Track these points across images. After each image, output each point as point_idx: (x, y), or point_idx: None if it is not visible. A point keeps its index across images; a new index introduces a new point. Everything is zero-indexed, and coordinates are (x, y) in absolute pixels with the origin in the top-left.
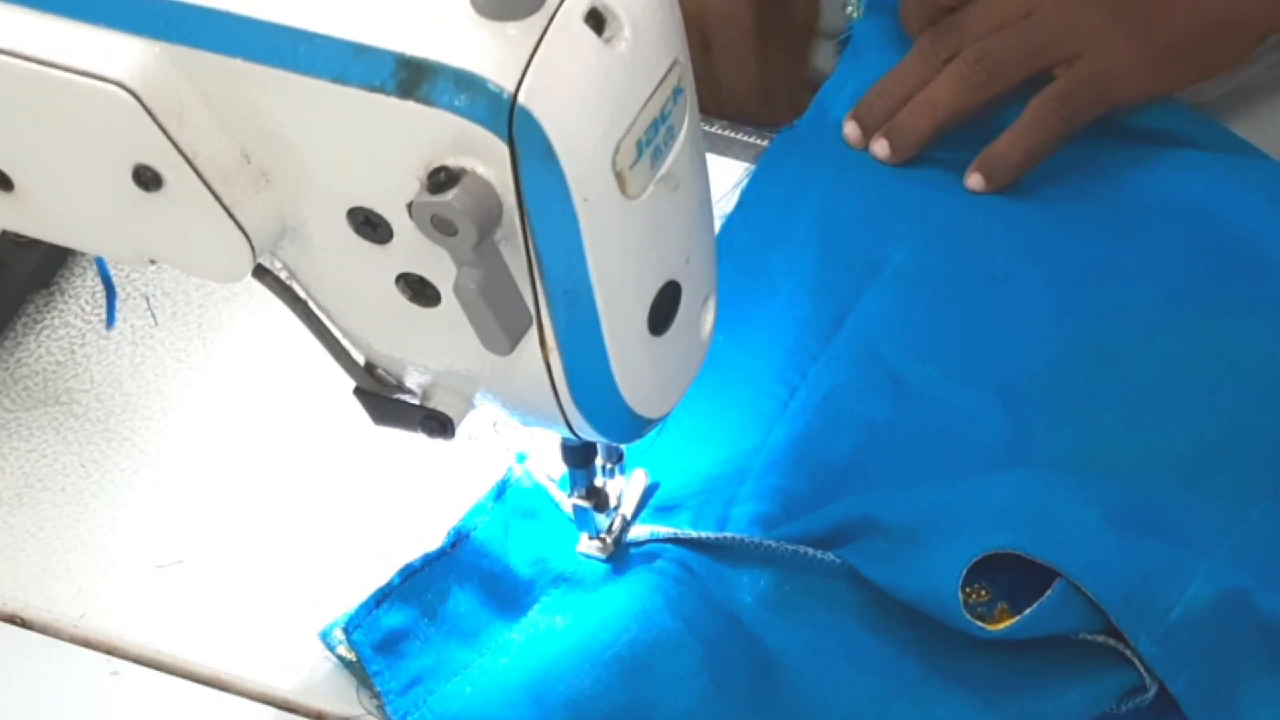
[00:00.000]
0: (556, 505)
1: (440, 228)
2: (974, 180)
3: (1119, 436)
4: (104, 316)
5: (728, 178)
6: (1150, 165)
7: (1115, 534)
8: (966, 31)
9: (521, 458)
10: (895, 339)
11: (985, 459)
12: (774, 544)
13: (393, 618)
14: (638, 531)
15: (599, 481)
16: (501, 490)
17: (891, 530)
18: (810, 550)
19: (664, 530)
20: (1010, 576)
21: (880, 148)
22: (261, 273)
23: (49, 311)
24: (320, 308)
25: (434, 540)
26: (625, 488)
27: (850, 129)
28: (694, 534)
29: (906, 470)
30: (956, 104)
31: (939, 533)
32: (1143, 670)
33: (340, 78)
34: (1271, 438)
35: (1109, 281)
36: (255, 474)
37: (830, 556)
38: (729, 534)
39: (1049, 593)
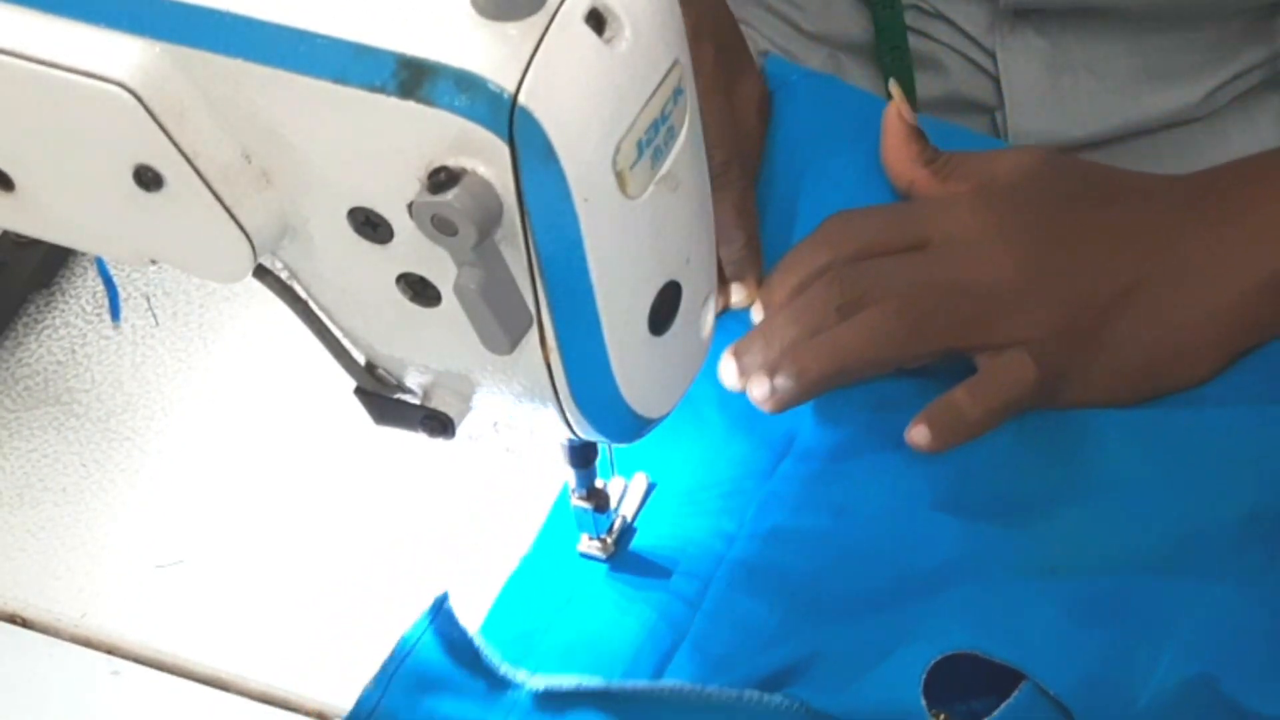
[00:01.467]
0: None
1: (440, 228)
2: (917, 433)
3: (1078, 539)
4: (104, 317)
5: None
6: None
7: (1075, 627)
8: (881, 280)
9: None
10: (840, 457)
11: (939, 575)
12: (714, 691)
13: None
14: (560, 681)
15: (599, 483)
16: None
17: (843, 657)
18: (755, 693)
19: (593, 683)
20: (965, 708)
21: (759, 389)
22: (262, 273)
23: (50, 311)
24: (321, 308)
25: (434, 540)
26: (626, 489)
27: (726, 368)
28: (626, 686)
29: (857, 593)
30: (866, 354)
31: (894, 648)
32: None
33: (341, 78)
34: (1238, 524)
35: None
36: (255, 474)
37: (777, 698)
38: (665, 685)
39: (1015, 694)
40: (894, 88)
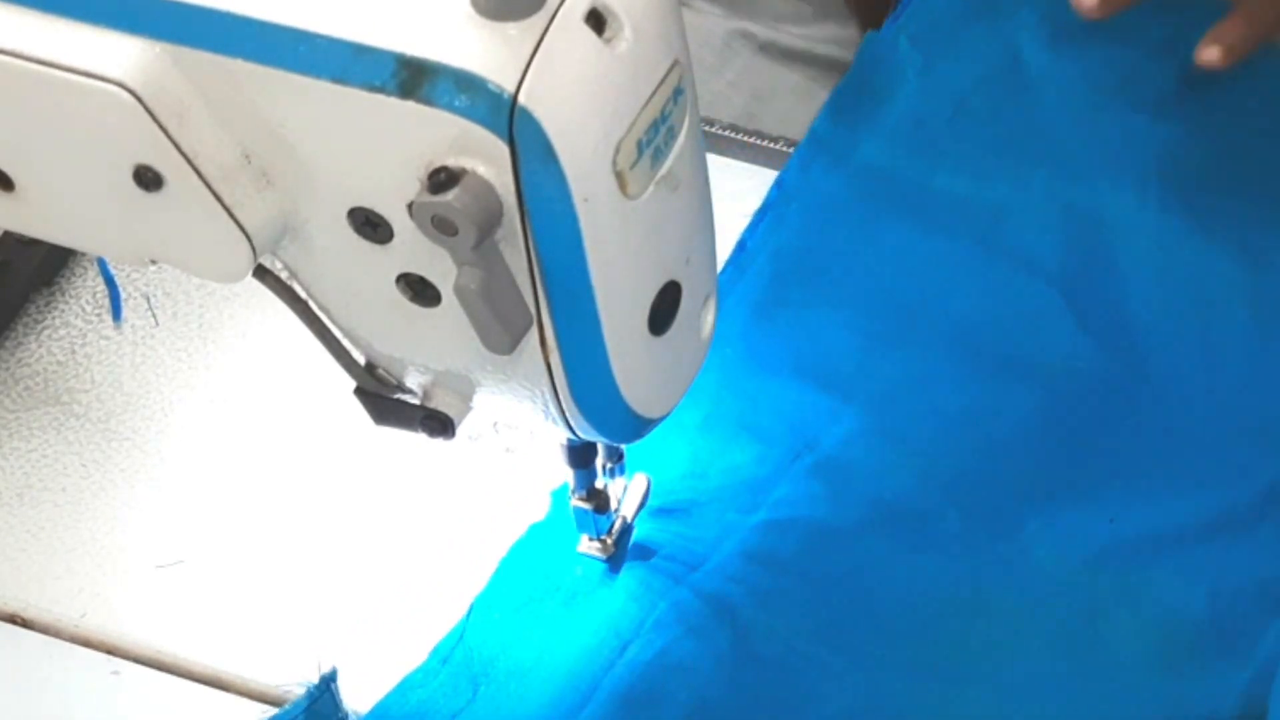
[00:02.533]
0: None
1: (440, 228)
2: (1209, 54)
3: (983, 711)
4: (105, 317)
5: (728, 178)
6: None
7: None
8: None
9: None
10: (750, 586)
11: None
12: None
13: None
14: None
15: (600, 483)
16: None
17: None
18: None
19: None
20: None
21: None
22: (262, 273)
23: (50, 311)
24: (321, 308)
25: (434, 540)
26: (626, 490)
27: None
28: None
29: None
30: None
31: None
32: None
33: (341, 78)
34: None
35: (994, 558)
36: (256, 474)
37: None
38: None
39: None
40: None
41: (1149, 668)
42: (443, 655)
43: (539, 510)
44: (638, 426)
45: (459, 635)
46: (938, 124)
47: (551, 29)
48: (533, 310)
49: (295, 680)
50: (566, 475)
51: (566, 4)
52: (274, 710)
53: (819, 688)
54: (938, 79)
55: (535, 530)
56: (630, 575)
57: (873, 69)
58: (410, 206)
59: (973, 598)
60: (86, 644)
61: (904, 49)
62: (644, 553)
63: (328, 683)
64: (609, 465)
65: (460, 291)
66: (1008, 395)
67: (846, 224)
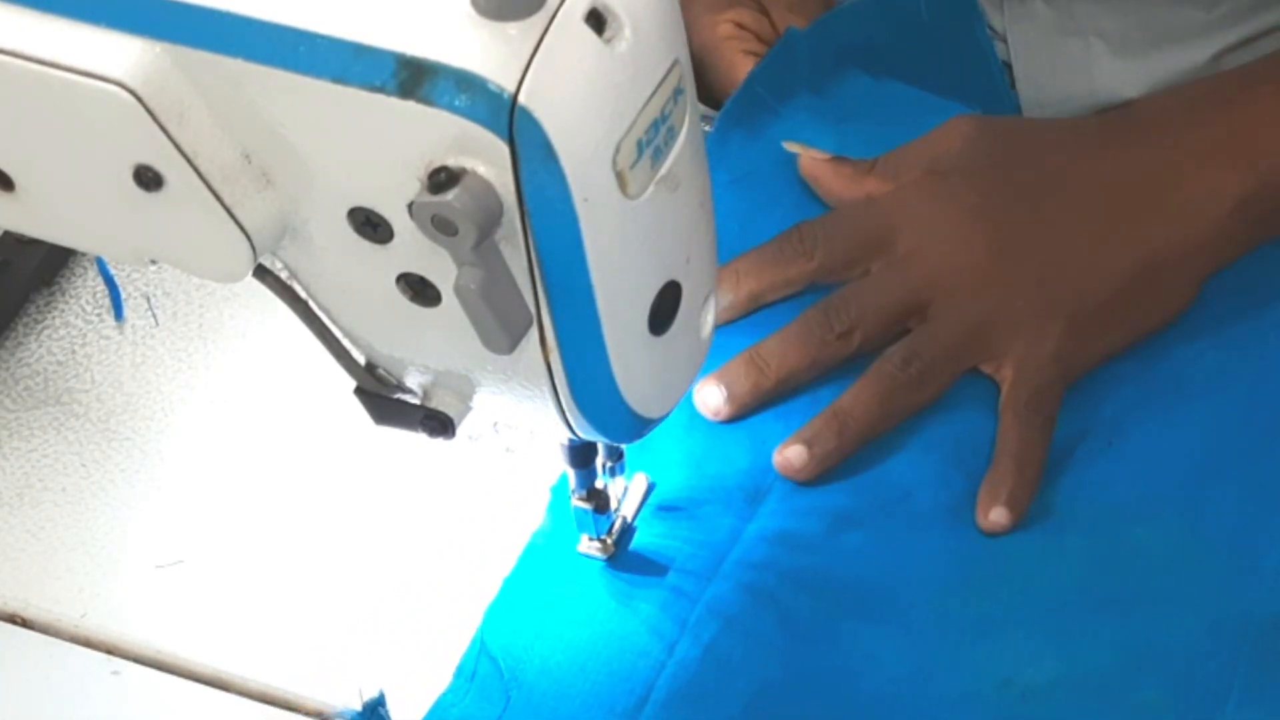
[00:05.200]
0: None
1: (440, 228)
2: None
3: (1030, 657)
4: (105, 317)
5: None
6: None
7: None
8: (871, 300)
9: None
10: (782, 570)
11: (888, 700)
12: None
13: None
14: None
15: (600, 483)
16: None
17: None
18: None
19: None
20: None
21: (796, 454)
22: (262, 273)
23: (50, 311)
24: (321, 308)
25: (434, 540)
26: (626, 490)
27: (711, 395)
28: None
29: None
30: (886, 410)
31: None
32: None
33: (341, 78)
34: (1197, 646)
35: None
36: (256, 474)
37: None
38: None
39: None
40: (789, 145)
41: (1174, 575)
42: (468, 673)
43: (539, 510)
44: (638, 426)
45: (479, 647)
46: (857, 90)
47: (551, 29)
48: (533, 310)
49: (338, 702)
50: (567, 475)
51: (566, 4)
52: (273, 710)
53: (870, 659)
54: (845, 81)
55: (540, 535)
56: (654, 579)
57: (788, 58)
58: (410, 206)
59: (997, 553)
60: (86, 644)
61: (810, 45)
62: (660, 550)
63: (375, 708)
64: (609, 465)
65: (460, 291)
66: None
67: (774, 198)
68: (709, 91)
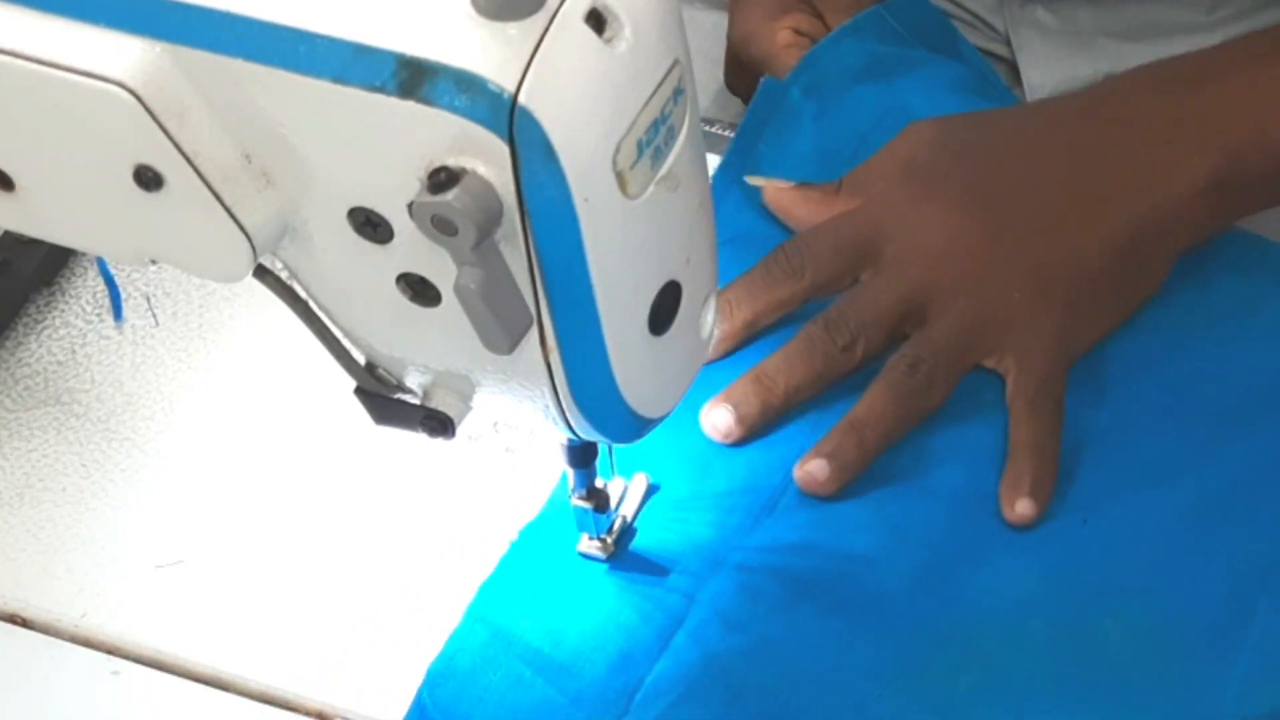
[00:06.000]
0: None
1: (440, 228)
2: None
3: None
4: (105, 317)
5: None
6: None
7: None
8: (868, 312)
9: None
10: (788, 575)
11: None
12: None
13: None
14: None
15: (600, 482)
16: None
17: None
18: None
19: None
20: None
21: (819, 468)
22: (262, 273)
23: (50, 311)
24: (321, 308)
25: (434, 540)
26: (626, 490)
27: (720, 417)
28: None
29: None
30: (901, 417)
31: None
32: None
33: (341, 78)
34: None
35: (979, 568)
36: (256, 474)
37: None
38: None
39: None
40: (751, 180)
41: (1141, 671)
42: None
43: (539, 510)
44: (638, 426)
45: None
46: (840, 160)
47: (551, 29)
48: (533, 310)
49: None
50: (567, 474)
51: (566, 4)
52: (273, 710)
53: (872, 674)
54: (834, 121)
55: (534, 527)
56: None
57: (768, 114)
58: (410, 206)
59: (964, 630)
60: (86, 644)
61: (795, 98)
62: (660, 551)
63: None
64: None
65: (460, 291)
66: (978, 388)
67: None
68: None
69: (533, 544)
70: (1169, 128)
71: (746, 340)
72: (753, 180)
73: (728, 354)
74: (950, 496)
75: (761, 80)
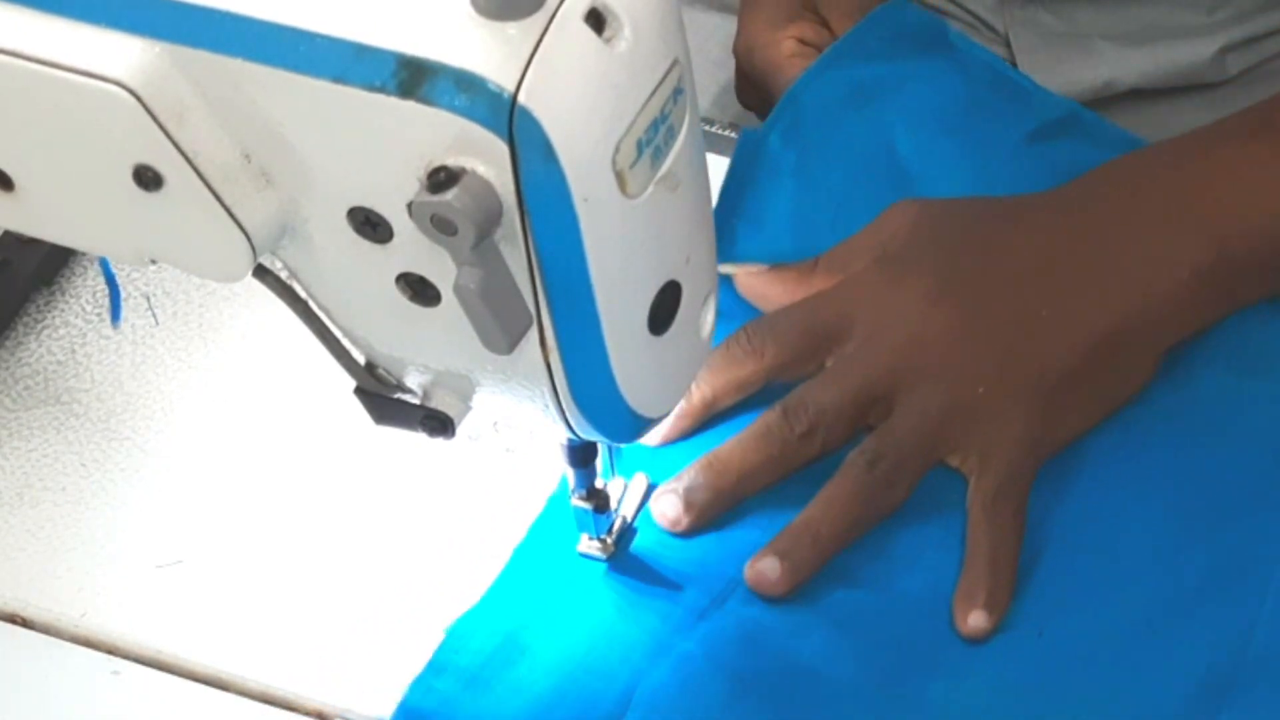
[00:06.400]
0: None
1: (440, 227)
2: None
3: None
4: (105, 317)
5: None
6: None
7: None
8: (831, 399)
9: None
10: (800, 598)
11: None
12: None
13: None
14: None
15: (600, 483)
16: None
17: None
18: None
19: None
20: None
21: (770, 567)
22: (262, 272)
23: (50, 311)
24: (320, 307)
25: (434, 540)
26: (626, 490)
27: (669, 505)
28: None
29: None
30: (858, 515)
31: None
32: None
33: (341, 78)
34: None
35: (935, 676)
36: (256, 474)
37: None
38: None
39: None
40: (723, 269)
41: None
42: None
43: (539, 510)
44: (638, 426)
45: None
46: (820, 228)
47: (551, 29)
48: (533, 310)
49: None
50: (567, 474)
51: (566, 4)
52: (273, 710)
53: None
54: (815, 175)
55: (536, 530)
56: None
57: (750, 167)
58: (410, 206)
59: (917, 707)
60: (86, 644)
61: (775, 147)
62: (660, 554)
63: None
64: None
65: (460, 291)
66: (939, 486)
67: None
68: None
69: (532, 547)
70: (1155, 218)
71: (704, 420)
72: (724, 269)
73: (684, 434)
74: (906, 600)
75: (740, 133)
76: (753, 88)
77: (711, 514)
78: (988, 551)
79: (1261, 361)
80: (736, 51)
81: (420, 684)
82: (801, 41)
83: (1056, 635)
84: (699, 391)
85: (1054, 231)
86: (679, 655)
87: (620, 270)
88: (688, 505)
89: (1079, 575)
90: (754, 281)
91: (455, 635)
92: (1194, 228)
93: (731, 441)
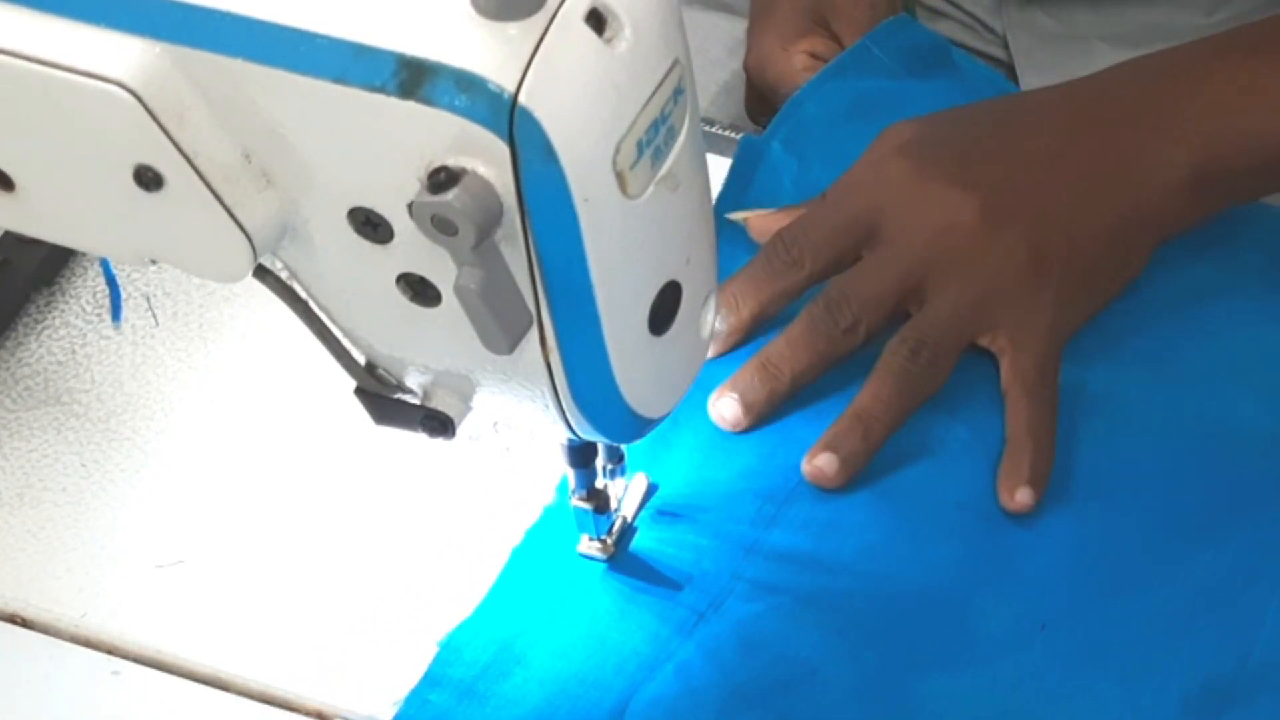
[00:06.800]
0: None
1: (440, 228)
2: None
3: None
4: (105, 317)
5: None
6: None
7: None
8: (870, 292)
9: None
10: (800, 593)
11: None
12: None
13: None
14: None
15: (600, 483)
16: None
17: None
18: None
19: None
20: None
21: (827, 461)
22: (262, 273)
23: (50, 311)
24: (321, 308)
25: (434, 540)
26: (626, 490)
27: (727, 406)
28: None
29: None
30: (905, 404)
31: None
32: None
33: (341, 78)
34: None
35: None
36: (256, 474)
37: None
38: None
39: None
40: (732, 217)
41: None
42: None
43: (539, 510)
44: (638, 426)
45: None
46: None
47: (551, 29)
48: (533, 310)
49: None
50: (567, 475)
51: (566, 4)
52: (273, 710)
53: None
54: (814, 187)
55: (535, 532)
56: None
57: (750, 173)
58: (410, 206)
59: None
60: (86, 644)
61: (776, 154)
62: (660, 554)
63: None
64: (609, 467)
65: (460, 291)
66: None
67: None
68: None
69: (529, 551)
70: (1154, 123)
71: (753, 334)
72: (734, 216)
73: (735, 348)
74: (904, 600)
75: (740, 139)
76: (763, 102)
77: (767, 412)
78: (1029, 426)
79: (1266, 366)
80: (747, 67)
81: (415, 698)
82: (813, 56)
83: (1056, 641)
84: (746, 307)
85: (1063, 122)
86: (677, 664)
87: (620, 270)
88: (746, 406)
89: (1080, 581)
90: (768, 223)
91: (449, 648)
92: (1188, 134)
93: (779, 340)
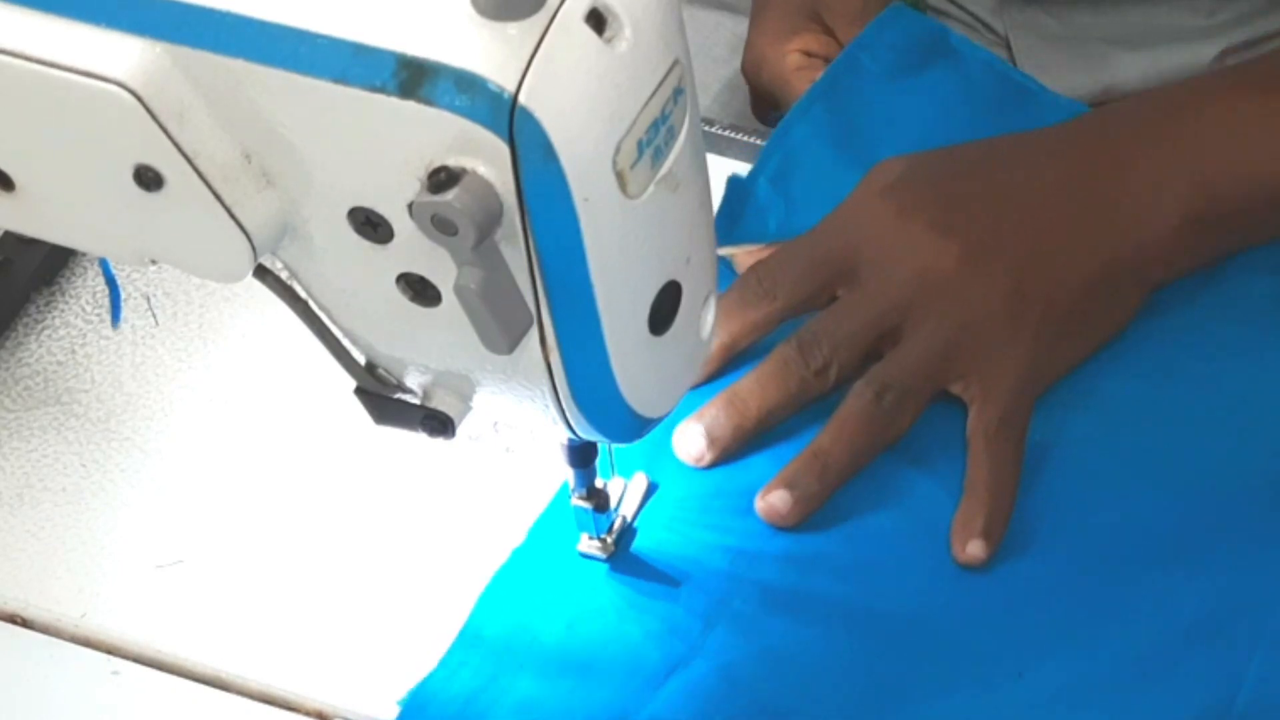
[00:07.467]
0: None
1: (440, 228)
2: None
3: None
4: (105, 317)
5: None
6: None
7: None
8: (843, 334)
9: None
10: (806, 597)
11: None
12: None
13: None
14: None
15: (600, 482)
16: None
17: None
18: None
19: None
20: None
21: (780, 499)
22: (262, 273)
23: (50, 311)
24: (321, 308)
25: (434, 539)
26: (626, 489)
27: (693, 440)
28: None
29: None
30: (866, 446)
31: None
32: None
33: (341, 78)
34: None
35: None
36: (256, 474)
37: None
38: None
39: None
40: (721, 252)
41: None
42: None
43: (540, 510)
44: (638, 426)
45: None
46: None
47: (552, 29)
48: (533, 310)
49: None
50: (567, 474)
51: (566, 4)
52: (273, 710)
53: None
54: (798, 232)
55: (537, 530)
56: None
57: (738, 213)
58: (410, 206)
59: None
60: (86, 644)
61: (764, 192)
62: (660, 555)
63: None
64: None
65: (460, 291)
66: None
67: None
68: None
69: (532, 549)
70: (1147, 164)
71: (723, 364)
72: (722, 251)
73: (706, 380)
74: (893, 621)
75: (727, 179)
76: (767, 103)
77: (733, 449)
78: (987, 479)
79: (1258, 392)
80: (745, 68)
81: (416, 699)
82: (806, 53)
83: (1042, 676)
84: (717, 335)
85: (1052, 168)
86: (684, 677)
87: (620, 270)
88: (711, 441)
89: (1067, 617)
90: (752, 259)
91: (446, 665)
92: (1183, 176)
93: (749, 377)
